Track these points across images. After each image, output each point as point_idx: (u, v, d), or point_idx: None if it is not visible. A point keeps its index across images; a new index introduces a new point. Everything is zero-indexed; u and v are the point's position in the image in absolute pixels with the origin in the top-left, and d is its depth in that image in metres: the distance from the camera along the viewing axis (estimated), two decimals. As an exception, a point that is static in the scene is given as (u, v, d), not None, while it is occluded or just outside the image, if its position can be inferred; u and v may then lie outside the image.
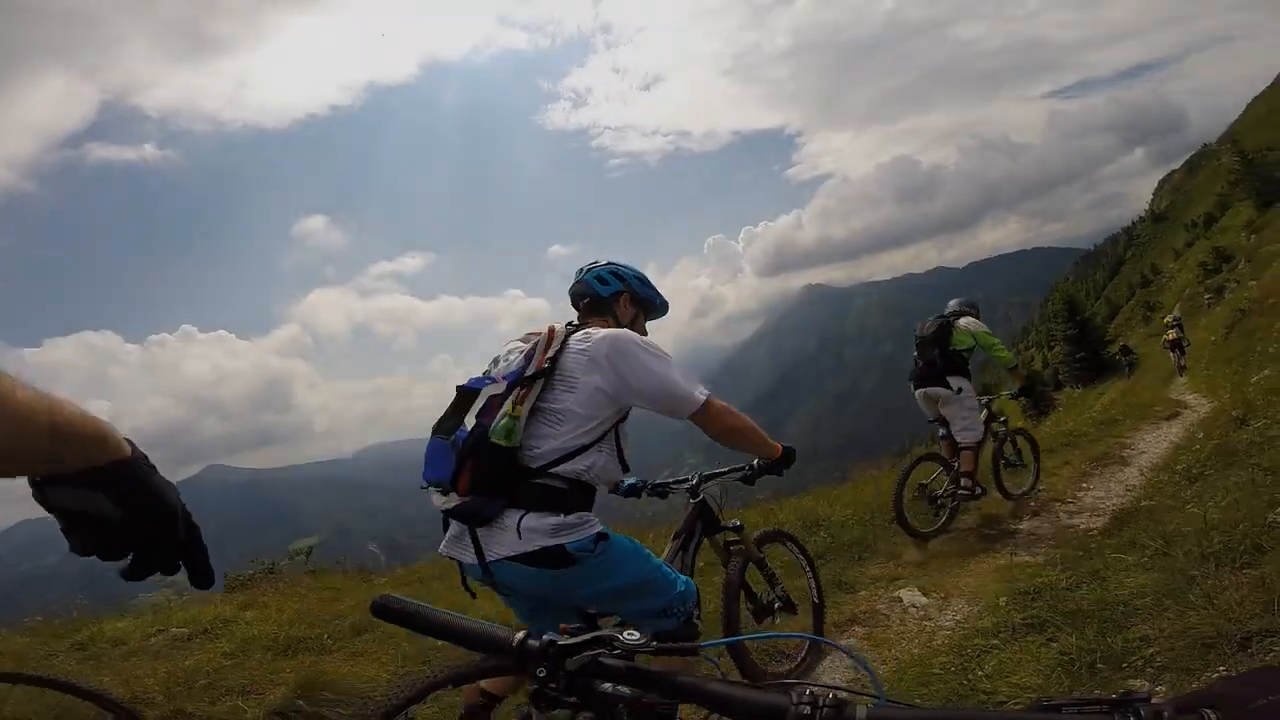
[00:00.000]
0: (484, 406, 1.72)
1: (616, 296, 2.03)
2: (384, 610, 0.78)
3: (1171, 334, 18.74)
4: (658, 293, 2.13)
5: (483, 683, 1.77)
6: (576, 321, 1.98)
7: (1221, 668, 2.05)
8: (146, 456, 0.65)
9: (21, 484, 0.60)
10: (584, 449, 1.72)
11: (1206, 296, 28.34)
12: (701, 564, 2.59)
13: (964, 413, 4.90)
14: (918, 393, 5.18)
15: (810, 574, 3.04)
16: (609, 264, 2.08)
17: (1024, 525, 5.24)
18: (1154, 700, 0.47)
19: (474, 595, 1.82)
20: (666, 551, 2.36)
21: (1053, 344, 54.11)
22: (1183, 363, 17.64)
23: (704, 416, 1.88)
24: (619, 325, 1.97)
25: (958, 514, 4.96)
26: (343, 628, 3.77)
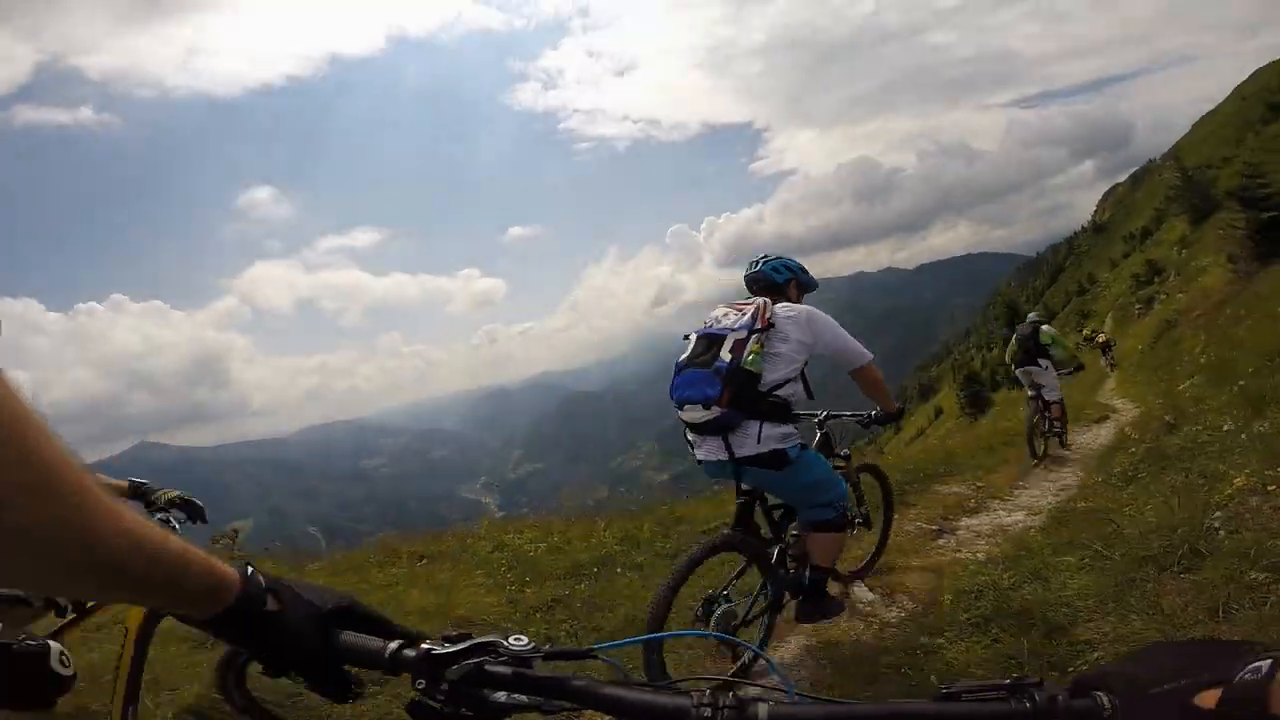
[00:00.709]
0: (732, 345, 2.44)
1: (788, 282, 2.85)
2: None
3: (1101, 337, 20.92)
4: (812, 278, 2.96)
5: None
6: (733, 306, 2.67)
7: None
8: (266, 587, 0.62)
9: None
10: (789, 380, 2.51)
11: (1137, 307, 29.95)
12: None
13: (1049, 381, 7.49)
14: (1018, 370, 7.74)
15: (885, 504, 3.94)
16: (779, 258, 2.88)
17: (963, 522, 5.37)
18: (1045, 684, 0.48)
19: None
20: None
21: (992, 345, 56.71)
22: (1112, 360, 19.09)
23: (861, 371, 2.71)
24: (790, 302, 2.77)
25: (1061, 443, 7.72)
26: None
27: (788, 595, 2.79)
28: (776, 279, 2.83)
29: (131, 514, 0.50)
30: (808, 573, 2.75)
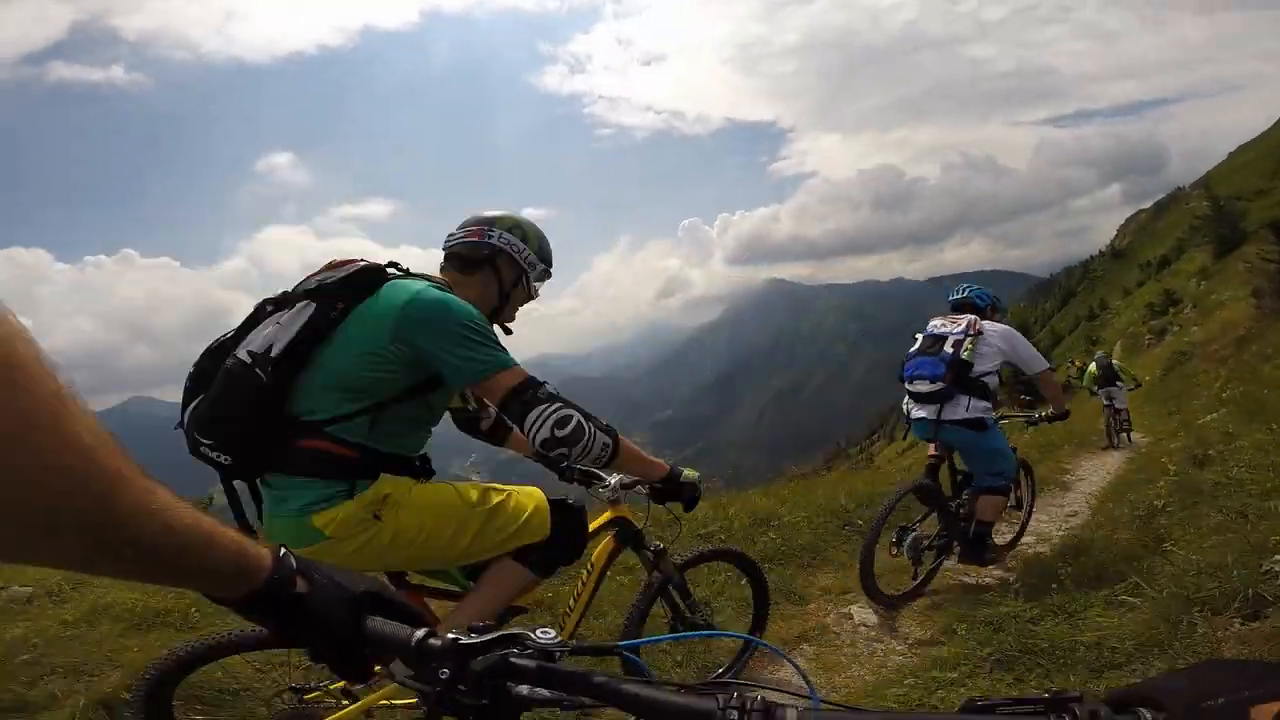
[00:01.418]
0: (953, 343, 3.46)
1: (988, 306, 3.80)
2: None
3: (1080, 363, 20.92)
4: (1002, 304, 3.92)
5: None
6: (946, 317, 3.71)
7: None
8: (296, 569, 0.63)
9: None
10: (990, 373, 3.48)
11: (1148, 337, 29.50)
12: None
13: (1121, 396, 10.46)
14: (1101, 390, 10.60)
15: (1030, 493, 4.49)
16: (980, 287, 3.90)
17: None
18: (1085, 699, 0.46)
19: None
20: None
21: (998, 364, 55.84)
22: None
23: (1040, 375, 3.63)
24: (986, 320, 3.68)
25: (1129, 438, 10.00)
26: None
27: (956, 544, 3.70)
28: (979, 303, 3.81)
29: (164, 493, 0.50)
30: (974, 526, 3.61)
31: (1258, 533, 2.87)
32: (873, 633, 3.26)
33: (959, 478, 3.83)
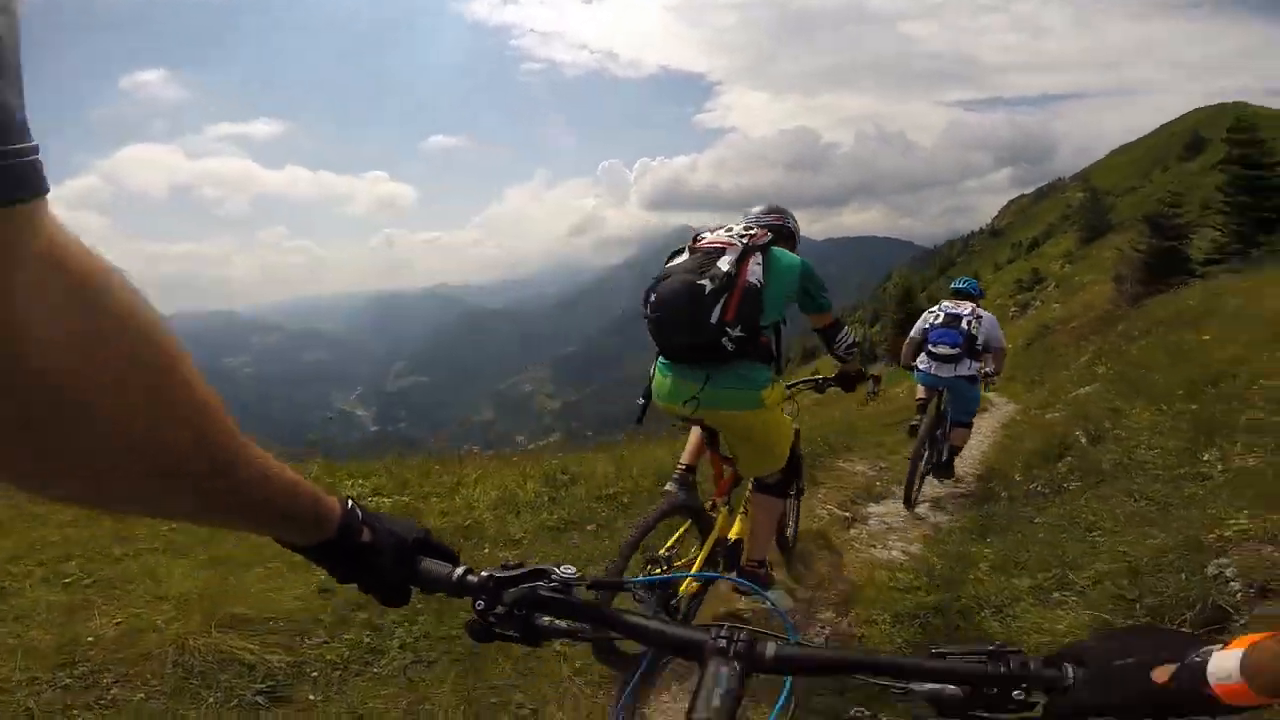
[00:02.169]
0: (966, 322, 4.78)
1: (981, 295, 5.22)
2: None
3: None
4: (982, 292, 5.39)
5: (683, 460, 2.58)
6: (953, 300, 5.06)
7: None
8: (359, 518, 0.67)
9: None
10: (983, 345, 4.80)
11: (1012, 310, 32.39)
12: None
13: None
14: None
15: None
16: (974, 280, 5.36)
17: (872, 510, 4.94)
18: (1021, 653, 0.55)
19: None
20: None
21: (875, 322, 59.99)
22: (876, 390, 20.11)
23: (1003, 351, 5.00)
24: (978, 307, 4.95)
25: None
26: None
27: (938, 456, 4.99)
28: (975, 293, 5.10)
29: (255, 445, 0.52)
30: (947, 449, 5.01)
31: (1190, 527, 2.71)
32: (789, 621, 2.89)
33: (944, 414, 4.99)
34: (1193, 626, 2.12)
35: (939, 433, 4.92)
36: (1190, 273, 14.56)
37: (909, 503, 4.62)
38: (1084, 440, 5.07)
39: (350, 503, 0.66)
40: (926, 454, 4.78)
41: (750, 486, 2.57)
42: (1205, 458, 3.61)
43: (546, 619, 0.67)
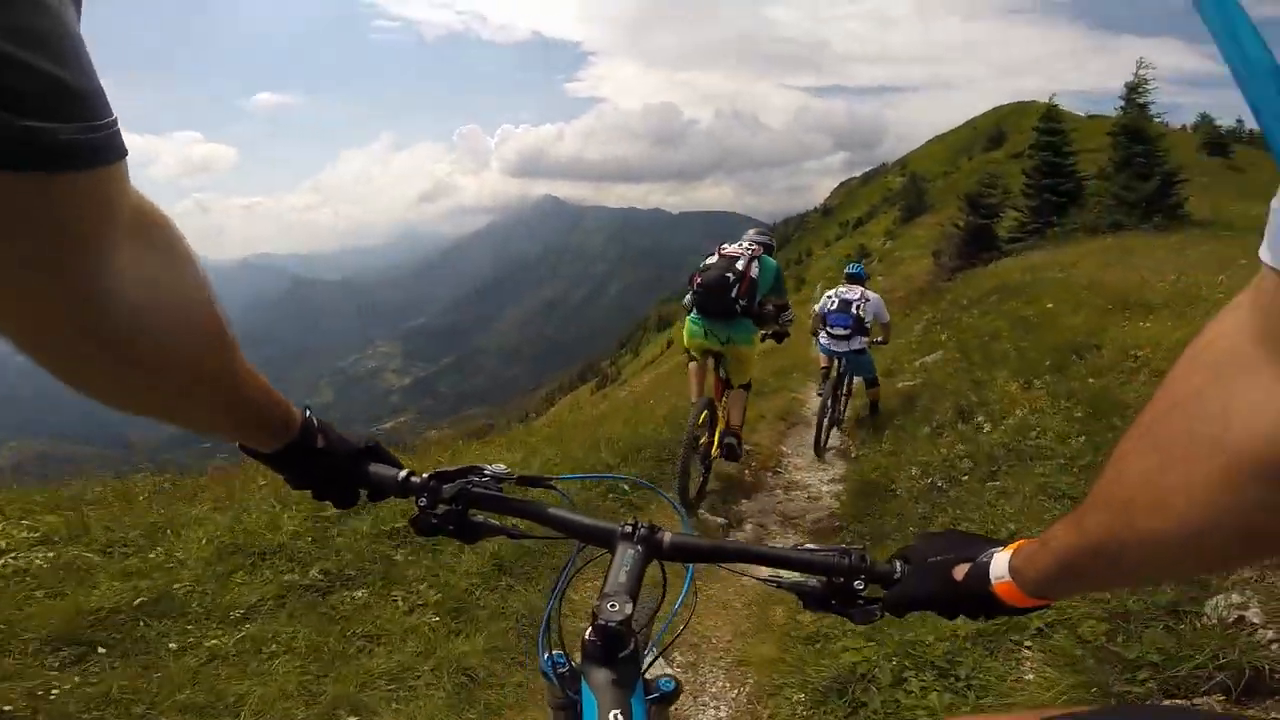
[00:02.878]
0: (855, 306, 5.66)
1: (866, 277, 6.27)
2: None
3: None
4: (868, 275, 7.06)
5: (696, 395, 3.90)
6: (847, 284, 5.96)
7: None
8: (315, 426, 0.71)
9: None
10: (868, 322, 5.72)
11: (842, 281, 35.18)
12: None
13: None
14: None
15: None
16: (860, 266, 6.45)
17: (744, 508, 4.26)
18: (864, 552, 0.68)
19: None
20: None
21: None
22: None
23: (889, 325, 5.98)
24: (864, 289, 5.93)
25: None
26: None
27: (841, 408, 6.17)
28: (862, 276, 6.14)
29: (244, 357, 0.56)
30: (875, 404, 6.15)
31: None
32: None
33: (846, 375, 5.94)
34: (1213, 696, 1.50)
35: (839, 392, 5.96)
36: (999, 249, 16.11)
37: (818, 451, 5.50)
38: (955, 416, 4.79)
39: (308, 410, 0.71)
40: (831, 410, 5.70)
41: (733, 389, 4.09)
42: (1109, 441, 3.26)
43: (480, 516, 0.76)
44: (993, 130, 63.95)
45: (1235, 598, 1.73)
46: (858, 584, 0.65)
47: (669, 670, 0.78)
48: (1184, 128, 50.98)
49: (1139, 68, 16.88)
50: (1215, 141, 33.40)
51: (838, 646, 2.17)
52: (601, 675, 0.62)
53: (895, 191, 45.18)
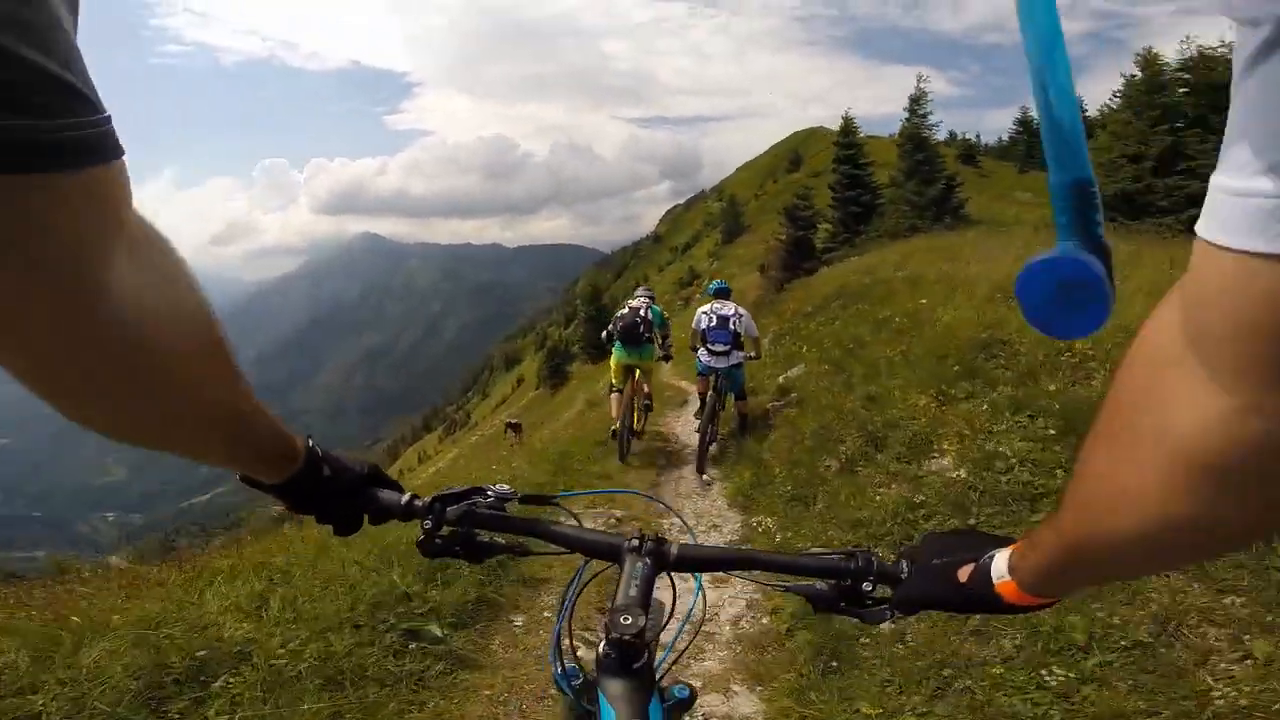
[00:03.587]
0: (732, 321, 5.86)
1: (731, 292, 6.51)
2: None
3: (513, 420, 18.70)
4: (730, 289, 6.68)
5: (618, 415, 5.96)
6: (719, 300, 6.13)
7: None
8: (320, 455, 0.69)
9: None
10: (742, 338, 6.00)
11: (678, 303, 36.17)
12: None
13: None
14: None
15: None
16: (724, 283, 6.59)
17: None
18: (872, 553, 0.67)
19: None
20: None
21: (570, 322, 62.24)
22: (519, 439, 15.64)
23: (756, 340, 6.14)
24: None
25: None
26: None
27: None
28: (728, 291, 6.38)
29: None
30: (746, 418, 6.24)
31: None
32: None
33: (724, 390, 5.90)
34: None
35: (718, 409, 5.91)
36: (818, 259, 16.75)
37: (700, 469, 5.52)
38: (864, 443, 3.82)
39: (310, 440, 0.69)
40: (711, 429, 5.71)
41: (646, 384, 6.36)
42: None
43: (486, 536, 0.76)
44: (791, 154, 71.35)
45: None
46: (866, 585, 0.66)
47: (682, 678, 0.85)
48: (942, 141, 61.34)
49: (919, 81, 19.01)
50: (966, 153, 40.55)
51: None
52: (618, 686, 0.65)
53: (715, 215, 47.99)
